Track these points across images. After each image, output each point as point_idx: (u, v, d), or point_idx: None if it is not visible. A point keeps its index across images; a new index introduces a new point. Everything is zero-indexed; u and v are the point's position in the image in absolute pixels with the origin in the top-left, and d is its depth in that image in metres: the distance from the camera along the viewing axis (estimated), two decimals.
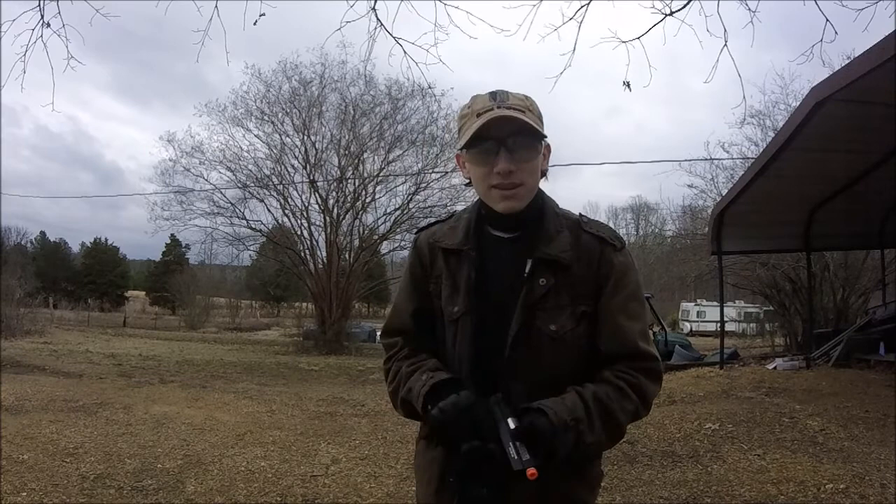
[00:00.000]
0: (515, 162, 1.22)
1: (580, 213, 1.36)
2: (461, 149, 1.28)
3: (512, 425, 1.11)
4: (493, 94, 1.25)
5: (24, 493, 4.00)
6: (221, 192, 20.09)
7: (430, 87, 17.32)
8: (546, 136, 1.27)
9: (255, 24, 4.18)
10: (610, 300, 1.26)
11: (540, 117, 1.28)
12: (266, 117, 19.81)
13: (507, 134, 1.22)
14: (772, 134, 11.80)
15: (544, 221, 1.30)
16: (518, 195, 1.25)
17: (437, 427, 1.16)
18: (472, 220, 1.34)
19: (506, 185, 1.23)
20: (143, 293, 51.37)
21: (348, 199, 20.56)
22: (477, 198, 1.37)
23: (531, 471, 1.05)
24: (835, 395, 7.18)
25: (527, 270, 1.25)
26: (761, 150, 10.11)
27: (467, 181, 1.35)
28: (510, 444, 1.08)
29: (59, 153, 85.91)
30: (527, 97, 1.28)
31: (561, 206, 1.37)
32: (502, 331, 1.24)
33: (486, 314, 1.26)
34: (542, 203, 1.33)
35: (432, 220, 1.50)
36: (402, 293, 1.43)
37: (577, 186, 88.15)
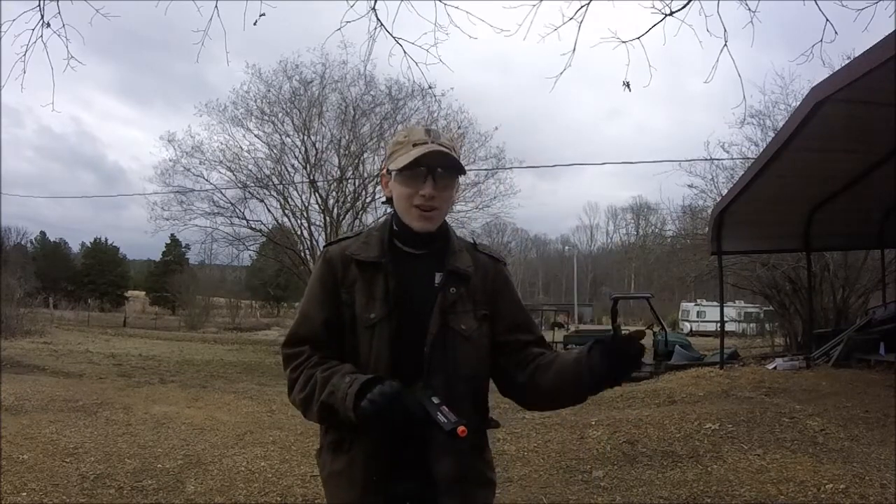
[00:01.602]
0: (437, 190, 1.44)
1: (472, 239, 1.64)
2: (396, 170, 1.46)
3: (436, 400, 1.29)
4: (428, 131, 1.47)
5: (24, 493, 4.00)
6: (221, 192, 20.04)
7: (430, 88, 17.23)
8: (465, 174, 1.54)
9: (255, 24, 4.17)
10: (510, 304, 1.56)
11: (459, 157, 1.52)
12: (266, 117, 19.77)
13: (436, 165, 1.43)
14: (772, 134, 11.79)
15: (450, 242, 1.53)
16: (433, 218, 1.47)
17: (370, 417, 1.26)
18: (385, 236, 1.51)
19: (425, 206, 1.44)
20: (143, 293, 51.30)
21: (348, 199, 20.54)
22: (383, 218, 1.59)
23: (461, 428, 1.23)
24: (835, 395, 7.18)
25: (438, 281, 1.47)
26: (761, 150, 10.11)
27: (385, 198, 1.56)
28: (437, 413, 1.26)
29: (63, 154, 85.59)
30: (452, 139, 1.50)
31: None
32: (419, 333, 1.42)
33: (401, 319, 1.43)
34: (447, 227, 1.56)
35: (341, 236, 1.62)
36: (312, 303, 1.50)
37: (578, 186, 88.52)
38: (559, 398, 1.46)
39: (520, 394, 1.52)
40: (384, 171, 1.53)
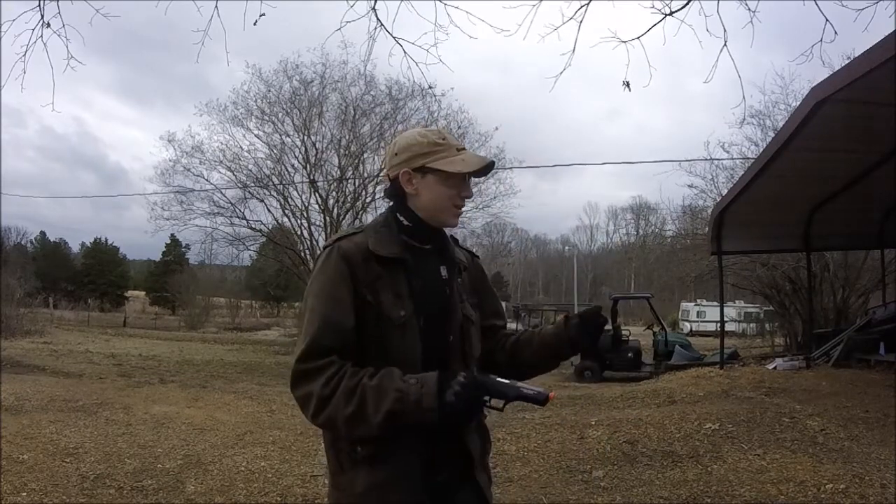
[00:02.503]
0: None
1: (450, 235, 1.72)
2: (451, 172, 1.50)
3: (505, 380, 1.38)
4: (454, 136, 1.60)
5: (24, 493, 4.00)
6: (221, 192, 20.03)
7: (430, 88, 17.21)
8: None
9: (255, 24, 4.17)
10: (489, 293, 1.74)
11: None
12: (266, 117, 19.76)
13: (473, 170, 1.54)
14: (772, 134, 11.80)
15: (446, 238, 1.63)
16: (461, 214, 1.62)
17: (459, 410, 1.31)
18: (395, 232, 1.53)
19: (461, 205, 1.56)
20: (143, 293, 51.22)
21: (348, 199, 20.54)
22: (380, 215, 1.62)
23: (552, 394, 1.36)
24: (835, 395, 7.18)
25: (444, 274, 1.56)
26: (761, 150, 10.11)
27: (386, 195, 1.60)
28: (522, 388, 1.36)
29: (64, 154, 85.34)
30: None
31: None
32: (438, 324, 1.50)
33: (426, 313, 1.49)
34: None
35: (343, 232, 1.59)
36: (336, 307, 1.40)
37: (578, 186, 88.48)
38: (538, 367, 1.67)
39: (501, 370, 1.58)
40: (411, 169, 1.50)
